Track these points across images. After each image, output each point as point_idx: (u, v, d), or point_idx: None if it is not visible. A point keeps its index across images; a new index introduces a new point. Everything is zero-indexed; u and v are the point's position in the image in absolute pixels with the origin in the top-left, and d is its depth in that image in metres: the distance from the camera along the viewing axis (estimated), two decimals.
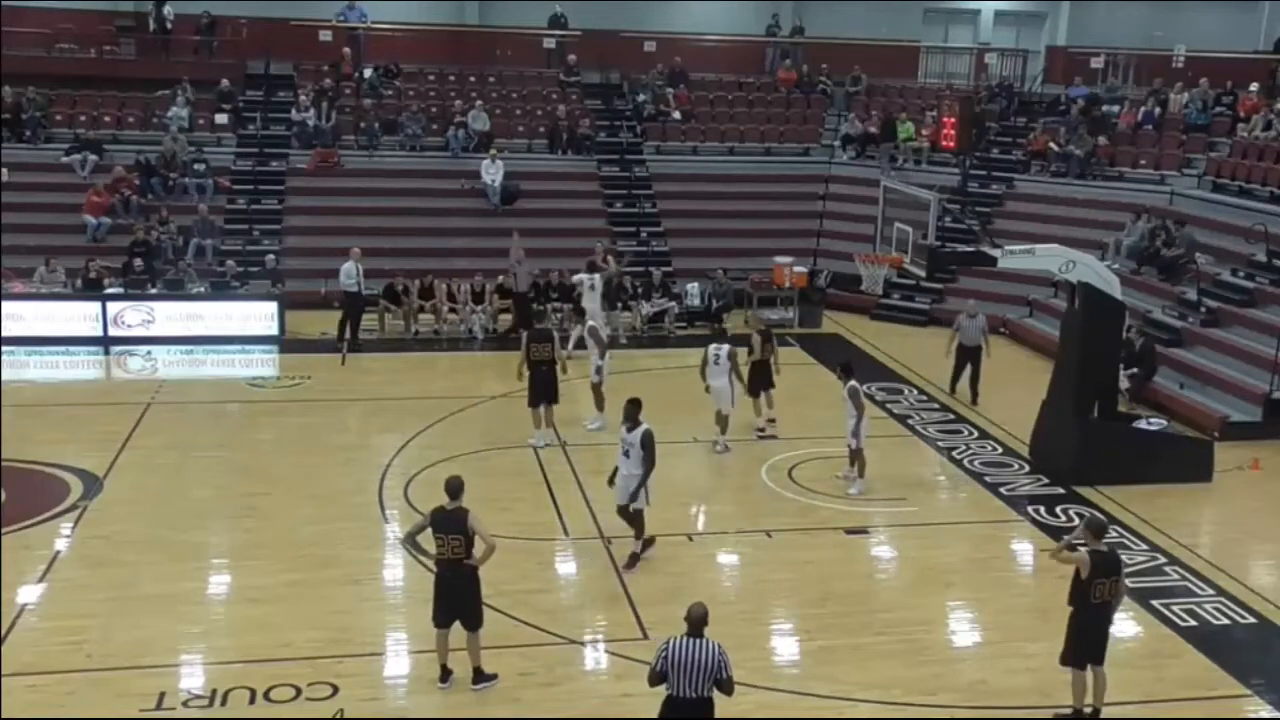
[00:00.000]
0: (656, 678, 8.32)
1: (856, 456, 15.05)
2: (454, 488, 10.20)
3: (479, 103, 27.78)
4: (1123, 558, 13.09)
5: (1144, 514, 14.57)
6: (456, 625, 10.23)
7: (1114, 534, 13.94)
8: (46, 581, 12.08)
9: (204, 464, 15.54)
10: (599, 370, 17.13)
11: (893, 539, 13.89)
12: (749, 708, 9.27)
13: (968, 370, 19.09)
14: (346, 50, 28.89)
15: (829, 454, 16.05)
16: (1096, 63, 30.18)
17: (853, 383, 14.93)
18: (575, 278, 21.73)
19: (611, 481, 12.69)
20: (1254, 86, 26.97)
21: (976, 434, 17.52)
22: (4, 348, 19.71)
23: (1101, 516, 10.88)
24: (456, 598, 10.13)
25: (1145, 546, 13.71)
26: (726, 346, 16.62)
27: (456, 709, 10.04)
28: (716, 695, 8.31)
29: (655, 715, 8.43)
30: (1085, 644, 9.82)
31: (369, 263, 21.73)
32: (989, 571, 13.23)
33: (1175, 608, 12.24)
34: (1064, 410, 15.84)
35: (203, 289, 22.04)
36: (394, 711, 10.10)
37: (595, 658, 11.04)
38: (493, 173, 25.84)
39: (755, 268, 24.43)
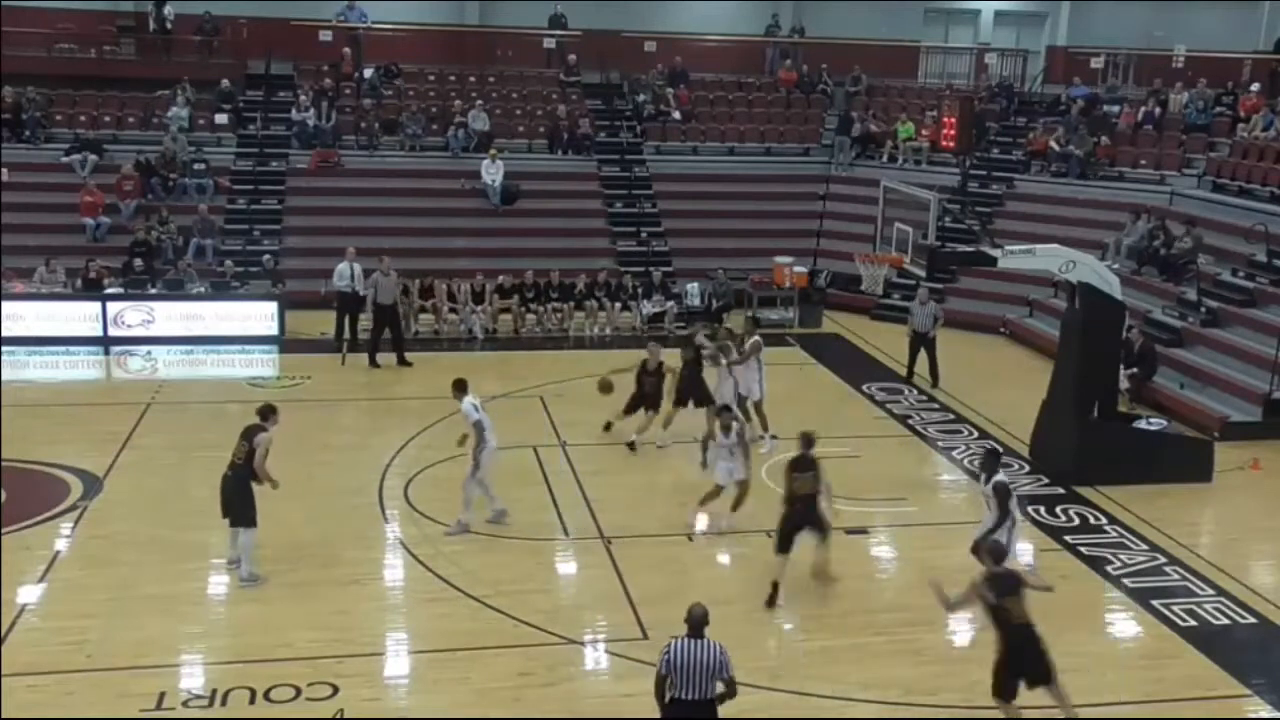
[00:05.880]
0: (662, 681, 8.27)
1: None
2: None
3: (479, 103, 27.77)
4: (1126, 559, 13.26)
5: (1144, 514, 14.57)
6: None
7: (1114, 534, 14.06)
8: (46, 581, 12.08)
9: (204, 464, 15.42)
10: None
11: (893, 539, 13.89)
12: (749, 708, 9.25)
13: (923, 356, 19.55)
14: (346, 50, 28.88)
15: (830, 454, 16.00)
16: (1096, 63, 30.19)
17: (1000, 477, 11.89)
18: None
19: None
20: (1254, 86, 26.98)
21: (976, 434, 17.50)
22: (4, 348, 19.71)
23: (1000, 540, 10.31)
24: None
25: (1145, 546, 13.71)
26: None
27: (457, 709, 10.03)
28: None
29: (656, 716, 8.43)
30: (1021, 667, 9.44)
31: (369, 263, 21.68)
32: None
33: (1175, 608, 12.23)
34: (1064, 410, 15.84)
35: (203, 289, 22.02)
36: (394, 711, 10.10)
37: (595, 658, 11.04)
38: (493, 173, 25.82)
39: (755, 268, 24.42)
